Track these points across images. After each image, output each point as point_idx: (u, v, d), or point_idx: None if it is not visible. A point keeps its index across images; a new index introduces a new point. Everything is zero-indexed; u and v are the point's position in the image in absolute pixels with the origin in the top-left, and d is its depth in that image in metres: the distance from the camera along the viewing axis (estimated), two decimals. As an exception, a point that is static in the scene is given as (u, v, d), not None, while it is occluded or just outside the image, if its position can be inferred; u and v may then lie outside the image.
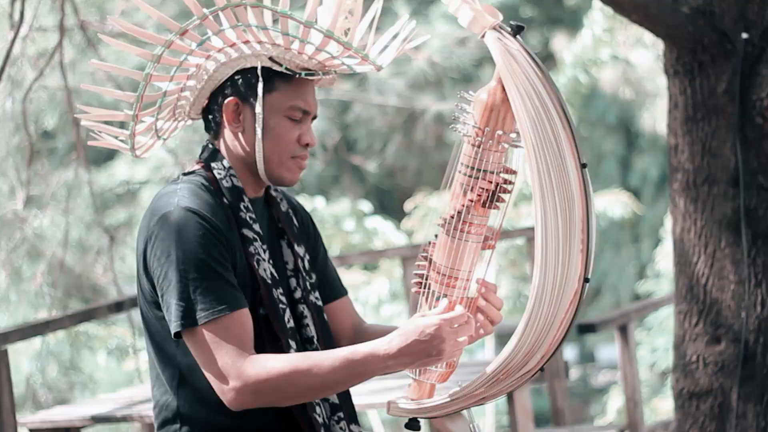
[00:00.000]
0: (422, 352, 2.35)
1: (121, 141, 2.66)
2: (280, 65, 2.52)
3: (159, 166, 11.09)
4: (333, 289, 2.73)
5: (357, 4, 2.52)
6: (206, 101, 2.59)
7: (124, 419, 4.85)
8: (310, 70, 2.54)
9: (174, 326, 2.42)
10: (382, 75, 12.27)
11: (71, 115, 7.40)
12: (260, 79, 2.52)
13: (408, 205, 10.68)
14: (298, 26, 2.47)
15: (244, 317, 2.44)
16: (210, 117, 2.59)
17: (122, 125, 2.65)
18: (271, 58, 2.52)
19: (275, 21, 2.49)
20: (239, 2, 2.44)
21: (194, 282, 2.42)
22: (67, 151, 11.04)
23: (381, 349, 2.37)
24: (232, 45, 2.51)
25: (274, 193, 2.67)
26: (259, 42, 2.50)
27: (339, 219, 10.32)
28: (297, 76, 2.53)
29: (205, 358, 2.42)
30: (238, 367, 2.40)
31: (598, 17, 9.67)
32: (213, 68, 2.54)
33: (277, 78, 2.53)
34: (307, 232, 2.72)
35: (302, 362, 2.40)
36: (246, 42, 2.51)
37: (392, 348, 2.36)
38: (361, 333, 2.71)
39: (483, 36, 2.37)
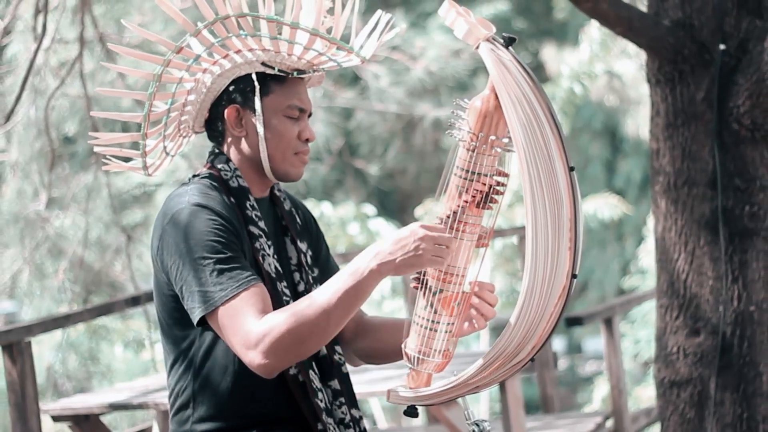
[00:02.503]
0: (402, 250, 2.32)
1: (132, 162, 2.66)
2: (273, 68, 2.53)
3: (173, 169, 11.08)
4: (335, 283, 2.73)
5: (336, 4, 2.53)
6: (207, 113, 2.60)
7: (140, 406, 4.85)
8: (300, 69, 2.55)
9: (198, 312, 2.42)
10: (383, 84, 12.28)
11: (91, 121, 7.41)
12: (256, 84, 2.54)
13: (418, 212, 10.70)
14: (284, 31, 2.48)
15: (261, 289, 2.43)
16: (213, 127, 2.60)
17: (133, 146, 2.66)
18: (263, 63, 2.53)
19: (256, 29, 2.51)
20: (227, 15, 2.45)
21: (208, 267, 2.42)
22: (86, 156, 11.03)
23: (363, 261, 2.35)
24: (225, 56, 2.53)
25: (278, 193, 2.68)
26: (250, 50, 2.51)
27: (344, 222, 10.34)
28: (289, 76, 2.54)
29: (228, 334, 2.41)
30: (256, 330, 2.37)
31: (596, 34, 9.70)
32: (210, 81, 2.55)
33: (271, 81, 2.55)
34: (310, 229, 2.73)
35: (299, 303, 2.38)
36: (238, 51, 2.52)
37: (371, 253, 2.34)
38: (363, 324, 2.71)
39: (477, 47, 2.37)
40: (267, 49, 2.51)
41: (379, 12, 2.59)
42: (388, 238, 2.34)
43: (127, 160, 2.67)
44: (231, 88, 2.56)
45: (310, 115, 2.62)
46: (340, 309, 2.37)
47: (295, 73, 2.55)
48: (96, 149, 2.65)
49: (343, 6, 2.54)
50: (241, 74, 2.55)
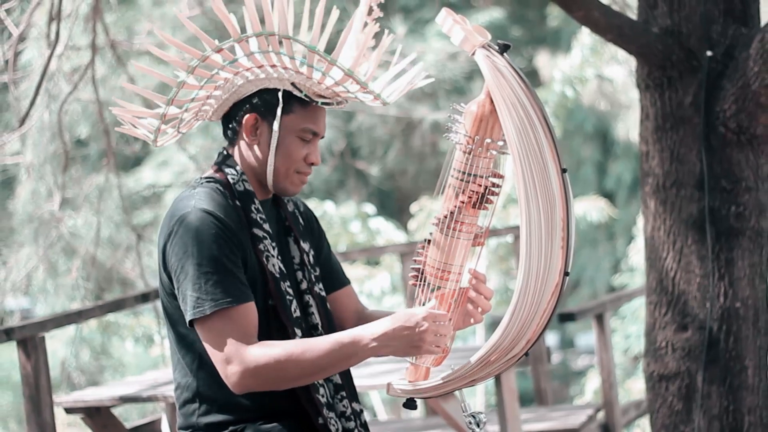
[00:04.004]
0: (405, 338, 2.36)
1: (146, 133, 2.65)
2: (300, 92, 2.53)
3: (182, 171, 11.09)
4: (337, 279, 2.74)
5: (379, 44, 2.53)
6: (228, 109, 2.59)
7: (149, 399, 4.84)
8: (325, 97, 2.54)
9: (188, 315, 2.44)
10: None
11: (102, 125, 7.40)
12: (280, 101, 2.53)
13: (413, 208, 10.70)
14: (321, 58, 2.48)
15: (249, 310, 2.45)
16: (229, 125, 2.60)
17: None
18: (293, 84, 2.53)
19: (297, 45, 2.49)
20: (273, 32, 2.44)
21: (206, 275, 2.43)
22: (98, 158, 11.04)
23: (367, 334, 2.38)
24: (260, 66, 2.52)
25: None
26: (284, 68, 2.50)
27: (346, 221, 10.33)
28: (314, 104, 2.54)
29: (212, 344, 2.44)
30: (241, 354, 2.41)
31: (588, 40, 9.71)
32: (240, 83, 2.55)
33: (295, 102, 2.54)
34: (312, 228, 2.73)
35: (296, 348, 2.41)
36: (273, 66, 2.51)
37: (377, 332, 2.37)
38: (363, 318, 2.72)
39: (473, 53, 2.37)
40: (300, 72, 2.50)
41: (411, 56, 2.58)
42: (397, 321, 2.36)
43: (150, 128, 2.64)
44: (256, 97, 2.55)
45: (321, 138, 2.62)
46: (332, 368, 2.43)
47: (319, 102, 2.54)
48: (116, 112, 2.62)
49: (382, 49, 2.53)
50: (270, 86, 2.54)
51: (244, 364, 2.41)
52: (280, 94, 2.53)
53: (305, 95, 2.53)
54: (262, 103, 2.55)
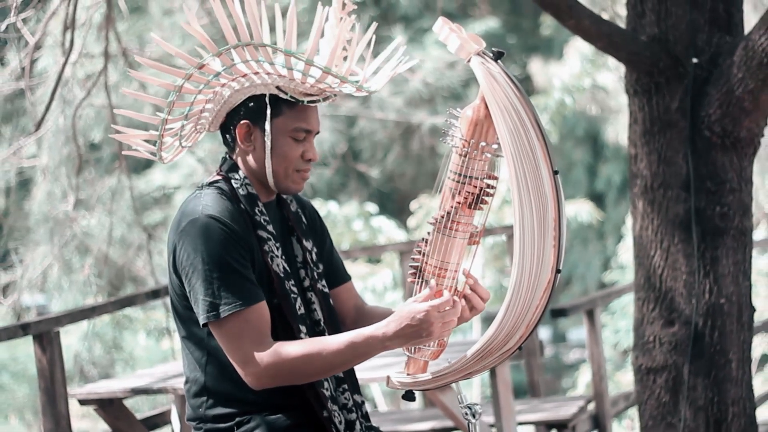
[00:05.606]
0: (414, 335, 2.36)
1: (151, 153, 2.66)
2: (286, 93, 2.52)
3: (190, 173, 11.08)
4: (338, 275, 2.74)
5: (355, 35, 2.52)
6: (224, 119, 2.59)
7: (160, 391, 4.83)
8: (312, 95, 2.54)
9: (201, 319, 2.44)
10: (383, 93, 12.28)
11: (114, 129, 7.39)
12: (268, 106, 2.52)
13: (413, 205, 10.71)
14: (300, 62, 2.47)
15: (262, 310, 2.45)
16: (227, 134, 2.60)
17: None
18: (278, 87, 2.52)
19: (274, 52, 2.49)
20: (249, 42, 2.44)
21: (217, 280, 2.42)
22: (111, 161, 11.03)
23: (379, 333, 2.38)
24: (244, 75, 2.52)
25: (284, 196, 2.67)
26: (267, 73, 2.50)
27: (349, 220, 10.33)
28: (301, 103, 2.54)
29: (229, 346, 2.43)
30: (258, 354, 2.41)
31: (588, 50, 9.72)
32: (228, 94, 2.54)
33: (283, 104, 2.54)
34: (314, 227, 2.73)
35: (312, 347, 2.41)
36: (256, 73, 2.51)
37: (389, 332, 2.37)
38: (363, 313, 2.72)
39: (469, 60, 2.37)
40: (282, 75, 2.50)
41: (394, 43, 2.57)
42: (403, 321, 2.36)
43: (152, 143, 2.65)
44: (246, 104, 2.55)
45: (317, 133, 2.61)
46: (344, 366, 2.44)
47: (306, 101, 2.54)
48: (115, 137, 2.64)
49: (359, 40, 2.53)
50: (257, 93, 2.54)
51: (263, 365, 2.41)
52: (267, 99, 2.53)
53: (291, 96, 2.52)
54: (251, 110, 2.54)
